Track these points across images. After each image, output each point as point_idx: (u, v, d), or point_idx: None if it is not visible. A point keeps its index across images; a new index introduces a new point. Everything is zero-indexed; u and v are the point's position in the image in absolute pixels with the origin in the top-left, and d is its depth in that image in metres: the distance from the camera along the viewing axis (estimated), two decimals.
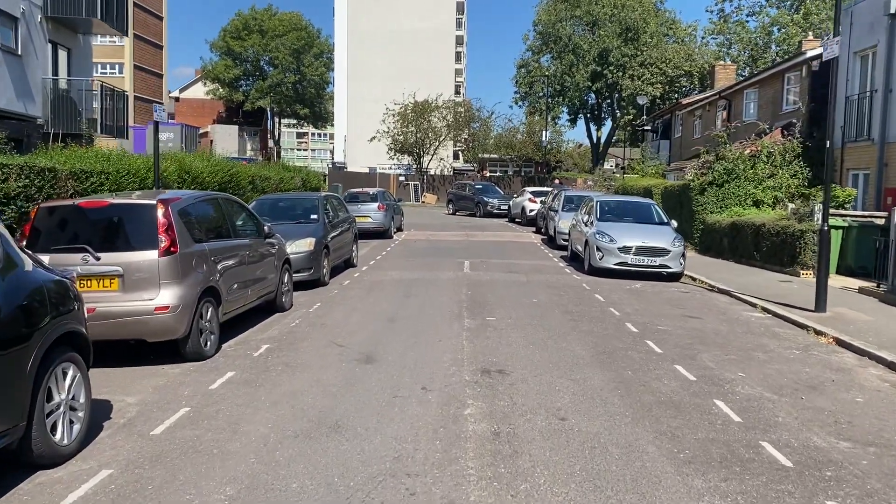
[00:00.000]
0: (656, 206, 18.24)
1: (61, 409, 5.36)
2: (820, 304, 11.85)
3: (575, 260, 18.64)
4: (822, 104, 23.19)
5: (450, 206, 42.74)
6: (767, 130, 24.22)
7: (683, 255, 16.20)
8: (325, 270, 14.11)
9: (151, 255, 7.85)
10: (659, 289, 14.69)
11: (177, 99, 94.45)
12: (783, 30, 51.53)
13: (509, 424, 6.12)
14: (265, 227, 10.72)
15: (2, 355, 4.66)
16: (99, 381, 7.31)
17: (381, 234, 24.89)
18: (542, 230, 27.32)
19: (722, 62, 48.01)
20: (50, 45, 23.77)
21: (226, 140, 55.63)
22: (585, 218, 17.90)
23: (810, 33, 39.15)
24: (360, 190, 28.08)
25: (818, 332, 10.53)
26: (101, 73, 73.44)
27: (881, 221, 16.16)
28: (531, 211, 32.36)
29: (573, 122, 68.92)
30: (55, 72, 24.35)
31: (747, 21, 56.50)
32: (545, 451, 5.56)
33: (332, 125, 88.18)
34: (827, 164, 12.26)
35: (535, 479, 5.03)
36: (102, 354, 8.26)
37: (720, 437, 5.99)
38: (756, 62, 52.04)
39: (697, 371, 8.11)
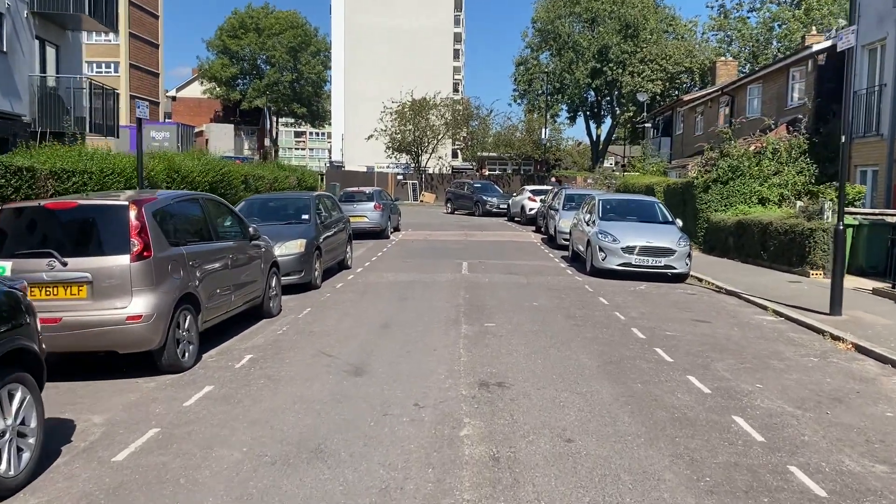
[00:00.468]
0: (660, 205, 17.66)
1: (7, 435, 4.78)
2: (835, 306, 11.28)
3: (576, 260, 18.07)
4: (828, 99, 22.69)
5: (448, 204, 42.16)
6: (772, 126, 23.66)
7: (689, 256, 15.62)
8: (316, 273, 13.53)
9: (123, 261, 7.27)
10: (664, 290, 14.12)
11: (174, 98, 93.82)
12: (784, 25, 50.93)
13: (510, 447, 5.55)
14: (250, 229, 10.13)
15: None
16: (64, 397, 6.77)
17: (377, 234, 24.32)
18: (542, 229, 26.74)
19: (723, 58, 47.40)
20: (37, 42, 23.20)
21: (221, 139, 55.02)
22: (587, 217, 17.32)
23: (814, 28, 38.54)
24: (355, 189, 27.48)
25: (835, 338, 9.95)
26: (97, 71, 72.96)
27: (893, 219, 15.61)
28: (531, 210, 31.78)
29: (573, 119, 68.43)
30: (43, 69, 23.77)
31: (748, 17, 56.02)
32: (550, 479, 4.98)
33: (330, 124, 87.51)
34: (842, 159, 11.68)
35: None
36: (70, 368, 7.73)
37: (743, 460, 5.42)
38: (757, 58, 51.46)
39: (712, 382, 7.54)
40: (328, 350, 8.64)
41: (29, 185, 12.16)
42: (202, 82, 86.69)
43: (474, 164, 66.15)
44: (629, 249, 15.24)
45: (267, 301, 10.63)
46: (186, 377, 7.54)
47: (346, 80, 73.48)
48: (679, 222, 16.76)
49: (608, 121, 67.17)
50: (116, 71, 75.00)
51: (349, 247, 16.73)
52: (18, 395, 4.93)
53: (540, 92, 61.59)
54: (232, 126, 61.93)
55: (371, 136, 56.72)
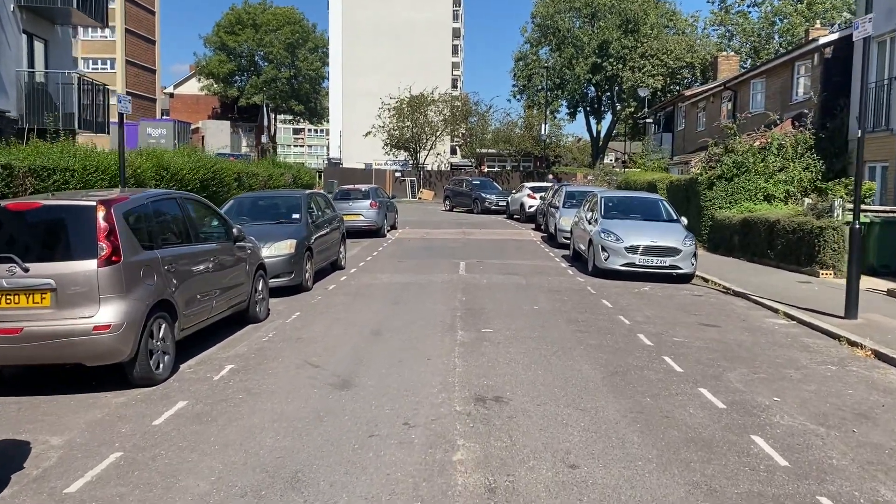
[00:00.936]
0: (665, 202, 17.10)
1: None
2: (850, 309, 10.73)
3: (577, 260, 17.52)
4: (835, 93, 22.12)
5: (447, 202, 41.59)
6: (778, 121, 23.10)
7: (695, 255, 15.07)
8: (307, 275, 12.98)
9: (89, 266, 6.72)
10: (670, 292, 13.58)
11: (171, 95, 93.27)
12: (786, 20, 50.32)
13: (507, 475, 5.00)
14: (234, 230, 9.57)
15: None
16: (25, 414, 6.24)
17: (373, 232, 23.76)
18: (542, 227, 26.17)
19: (724, 53, 46.78)
20: (25, 36, 22.59)
21: (217, 136, 54.44)
22: (589, 215, 16.77)
23: (817, 22, 37.94)
24: (351, 186, 26.93)
25: (853, 343, 9.41)
26: (93, 68, 72.52)
27: None
28: (530, 207, 31.22)
29: (572, 115, 67.77)
30: (31, 64, 23.17)
31: (749, 12, 55.38)
32: None
33: (328, 121, 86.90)
34: (858, 153, 11.11)
35: None
36: (36, 380, 7.20)
37: (767, 489, 4.87)
38: (758, 53, 50.86)
39: (725, 395, 7.00)
40: (314, 359, 8.09)
41: (6, 184, 11.61)
42: (199, 79, 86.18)
43: (473, 160, 65.52)
44: (633, 249, 14.70)
45: (253, 305, 10.08)
46: (160, 391, 7.00)
47: (344, 77, 72.79)
48: (684, 220, 16.22)
49: (608, 117, 66.54)
50: (112, 67, 74.43)
51: (343, 246, 16.18)
52: None
53: (539, 87, 60.95)
54: (228, 123, 61.38)
55: (369, 132, 56.08)
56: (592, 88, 63.85)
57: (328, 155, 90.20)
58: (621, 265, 14.71)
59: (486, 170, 59.53)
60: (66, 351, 6.68)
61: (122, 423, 6.10)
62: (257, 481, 4.87)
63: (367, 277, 14.69)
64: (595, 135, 66.30)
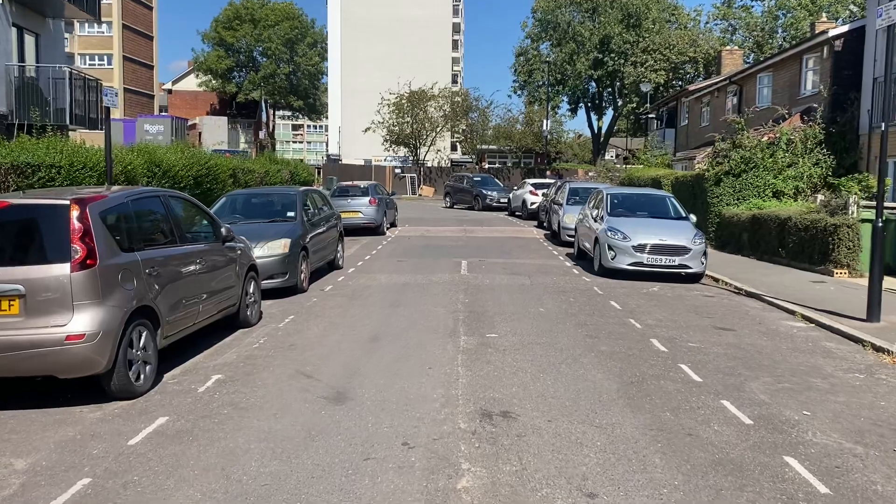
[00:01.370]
0: (673, 199, 16.55)
1: None
2: (873, 312, 10.21)
3: (582, 258, 17.00)
4: (845, 87, 21.58)
5: (447, 199, 41.05)
6: (787, 116, 22.56)
7: (705, 254, 14.55)
8: (302, 276, 12.44)
9: (62, 270, 6.19)
10: (680, 292, 13.06)
11: (169, 91, 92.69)
12: (790, 13, 49.75)
13: None
14: (223, 229, 9.04)
15: None
16: None
17: (372, 230, 23.22)
18: (545, 225, 25.63)
19: (728, 47, 46.22)
20: (14, 30, 22.02)
21: (215, 132, 53.86)
22: (594, 213, 16.24)
23: (823, 15, 37.36)
24: (350, 183, 26.41)
25: (878, 349, 8.90)
26: (90, 64, 72.01)
27: None
28: (532, 204, 30.71)
29: (573, 111, 67.20)
30: (21, 58, 22.62)
31: (752, 6, 54.82)
32: None
33: (327, 117, 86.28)
34: (882, 148, 10.58)
35: None
36: (7, 392, 6.69)
37: None
38: (762, 48, 50.30)
39: (751, 408, 6.47)
40: (308, 369, 7.56)
41: None
42: (198, 75, 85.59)
43: (474, 157, 64.97)
44: (640, 248, 14.17)
45: (244, 309, 9.54)
46: (139, 404, 6.48)
47: (343, 72, 72.20)
48: (693, 218, 15.69)
49: (609, 113, 65.97)
50: (110, 63, 73.85)
51: (340, 245, 15.64)
52: None
53: (540, 83, 60.34)
54: (225, 119, 60.78)
55: (368, 128, 55.48)
56: (593, 84, 63.25)
57: (327, 151, 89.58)
58: (629, 264, 14.19)
59: (486, 166, 59.01)
60: (36, 363, 6.16)
61: (95, 442, 5.57)
62: None
63: (366, 278, 14.17)
64: (596, 131, 65.72)
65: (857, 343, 9.33)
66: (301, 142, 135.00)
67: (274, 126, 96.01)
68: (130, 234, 7.06)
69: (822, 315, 10.79)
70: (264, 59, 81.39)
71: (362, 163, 57.42)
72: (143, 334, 6.89)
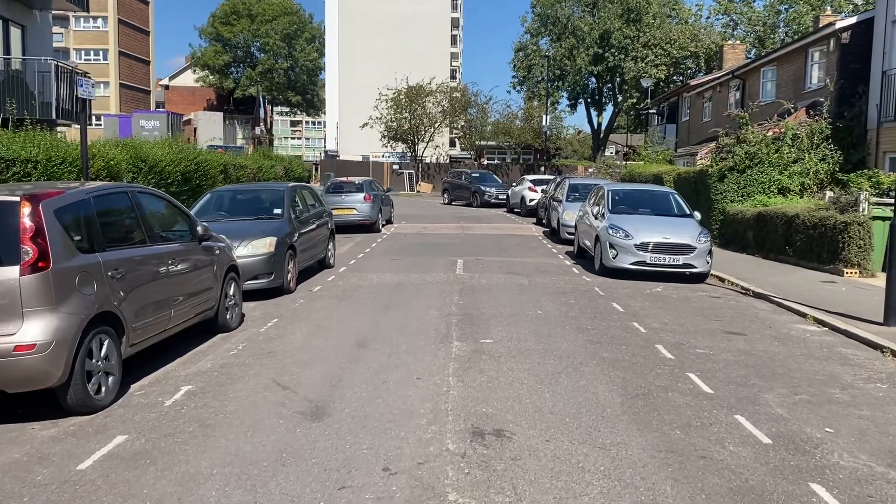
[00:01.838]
0: (676, 196, 15.95)
1: None
2: (890, 315, 9.65)
3: (582, 257, 16.43)
4: (853, 81, 20.99)
5: (445, 195, 40.47)
6: (792, 110, 21.96)
7: (710, 253, 13.99)
8: (289, 276, 11.86)
9: (11, 273, 5.62)
10: (684, 293, 12.49)
11: (167, 87, 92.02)
12: (792, 8, 49.11)
13: None
14: (199, 227, 8.45)
15: None
16: None
17: (367, 227, 22.64)
18: (544, 222, 25.06)
19: (730, 42, 45.58)
20: (0, 21, 21.46)
21: (210, 127, 53.13)
22: (595, 210, 15.66)
23: (828, 7, 36.73)
24: (344, 179, 25.76)
25: None
26: (85, 59, 71.35)
27: None
28: (531, 201, 30.16)
29: (573, 107, 66.47)
30: (7, 51, 22.02)
31: (754, 1, 54.10)
32: None
33: (325, 113, 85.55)
34: None
35: None
36: None
37: None
38: (763, 43, 49.66)
39: (767, 425, 5.91)
40: (285, 379, 6.98)
41: None
42: (195, 70, 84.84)
43: (472, 153, 64.32)
44: (643, 246, 13.60)
45: (223, 313, 8.97)
46: (98, 420, 5.91)
47: (341, 68, 71.40)
48: (697, 215, 15.13)
49: (609, 108, 65.32)
50: (105, 59, 73.23)
51: (331, 243, 15.07)
52: None
53: (540, 79, 59.68)
54: (221, 114, 60.03)
55: (366, 124, 54.79)
56: (593, 79, 62.59)
57: (325, 147, 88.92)
58: (631, 264, 13.63)
59: (485, 162, 58.40)
60: None
61: (41, 466, 5.00)
62: None
63: (357, 277, 13.59)
64: (596, 127, 65.08)
65: (876, 349, 8.77)
66: (299, 138, 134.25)
67: (272, 122, 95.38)
68: (91, 233, 6.48)
69: (835, 318, 10.23)
70: (262, 55, 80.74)
71: (360, 159, 56.75)
72: (105, 343, 6.31)
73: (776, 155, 19.66)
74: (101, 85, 71.23)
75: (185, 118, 54.79)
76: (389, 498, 4.47)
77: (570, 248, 18.06)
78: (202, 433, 5.57)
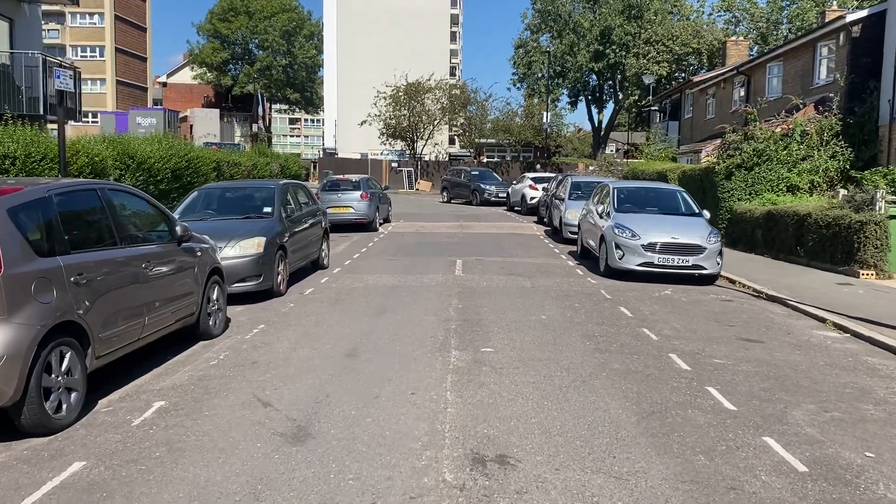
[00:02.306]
0: (684, 194, 15.35)
1: None
2: None
3: (586, 257, 15.84)
4: (864, 76, 20.40)
5: (444, 193, 39.88)
6: (801, 106, 21.37)
7: (720, 254, 13.39)
8: (279, 278, 11.26)
9: None
10: (695, 296, 11.90)
11: (164, 84, 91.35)
12: (796, 4, 48.48)
13: None
14: (178, 228, 7.84)
15: None
16: None
17: (364, 226, 22.07)
18: (545, 221, 24.45)
19: (733, 38, 44.97)
20: None
21: (206, 124, 52.56)
22: (600, 208, 15.07)
23: (834, 2, 36.11)
24: (340, 177, 25.16)
25: None
26: (81, 55, 70.70)
27: None
28: (532, 199, 29.57)
29: (574, 104, 65.81)
30: None
31: None
32: None
33: (324, 110, 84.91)
34: None
35: None
36: None
37: None
38: (766, 39, 49.05)
39: (800, 449, 5.31)
40: (267, 394, 6.38)
41: None
42: (193, 68, 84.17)
43: (472, 151, 63.71)
44: (651, 247, 13.01)
45: (205, 319, 8.37)
46: (56, 443, 5.31)
47: (340, 65, 70.75)
48: (706, 214, 14.55)
49: (610, 106, 64.67)
50: (102, 55, 72.58)
51: (325, 243, 14.47)
52: None
53: (540, 76, 59.05)
54: (217, 111, 59.45)
55: (364, 121, 54.16)
56: (594, 76, 61.96)
57: (324, 145, 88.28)
58: (638, 265, 13.04)
59: (485, 160, 57.80)
60: None
61: None
62: None
63: (351, 279, 12.99)
64: (596, 124, 64.47)
65: None
66: (298, 136, 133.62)
67: (270, 120, 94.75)
68: (52, 234, 5.88)
69: (856, 323, 9.65)
70: (260, 52, 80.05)
71: (359, 157, 56.16)
72: (67, 356, 5.71)
73: (785, 152, 19.07)
74: (98, 82, 70.73)
75: (181, 115, 54.20)
76: None
77: (573, 248, 17.48)
78: (170, 459, 4.97)
